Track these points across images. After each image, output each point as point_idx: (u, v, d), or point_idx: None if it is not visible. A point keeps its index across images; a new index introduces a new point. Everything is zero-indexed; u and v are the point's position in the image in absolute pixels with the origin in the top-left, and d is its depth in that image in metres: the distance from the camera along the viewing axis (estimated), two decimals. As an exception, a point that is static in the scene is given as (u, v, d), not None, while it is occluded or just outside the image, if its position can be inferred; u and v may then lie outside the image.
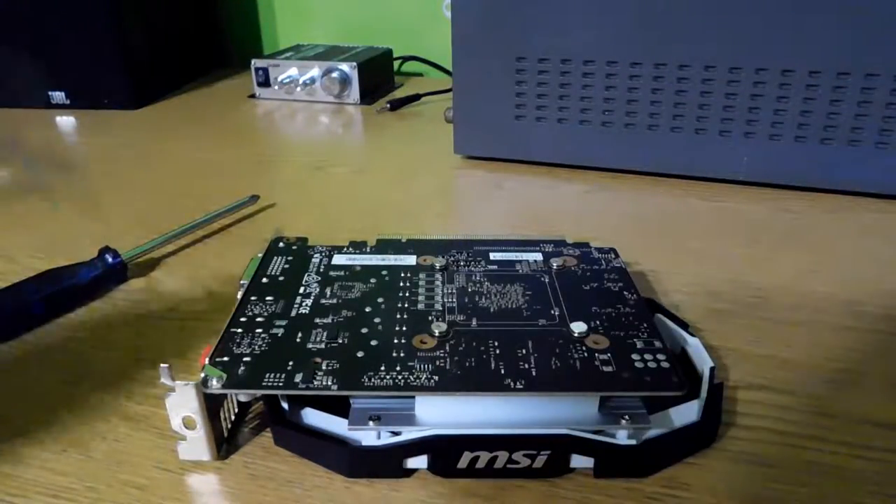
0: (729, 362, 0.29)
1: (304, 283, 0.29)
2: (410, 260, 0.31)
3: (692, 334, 0.28)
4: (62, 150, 0.59)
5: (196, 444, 0.23)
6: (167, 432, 0.25)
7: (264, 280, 0.29)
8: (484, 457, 0.22)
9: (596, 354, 0.24)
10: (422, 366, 0.23)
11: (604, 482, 0.23)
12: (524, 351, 0.24)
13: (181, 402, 0.23)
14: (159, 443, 0.25)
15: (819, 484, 0.23)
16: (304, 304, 0.28)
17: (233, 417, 0.25)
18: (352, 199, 0.47)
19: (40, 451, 0.25)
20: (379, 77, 0.77)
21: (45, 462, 0.24)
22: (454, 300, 0.28)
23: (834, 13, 0.41)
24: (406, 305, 0.27)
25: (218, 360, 0.24)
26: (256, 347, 0.25)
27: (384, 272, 0.30)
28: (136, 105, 0.71)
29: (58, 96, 0.70)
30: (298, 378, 0.23)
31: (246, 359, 0.24)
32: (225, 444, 0.25)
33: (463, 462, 0.22)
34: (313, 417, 0.24)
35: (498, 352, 0.24)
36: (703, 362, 0.26)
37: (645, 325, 0.26)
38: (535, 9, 0.47)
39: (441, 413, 0.23)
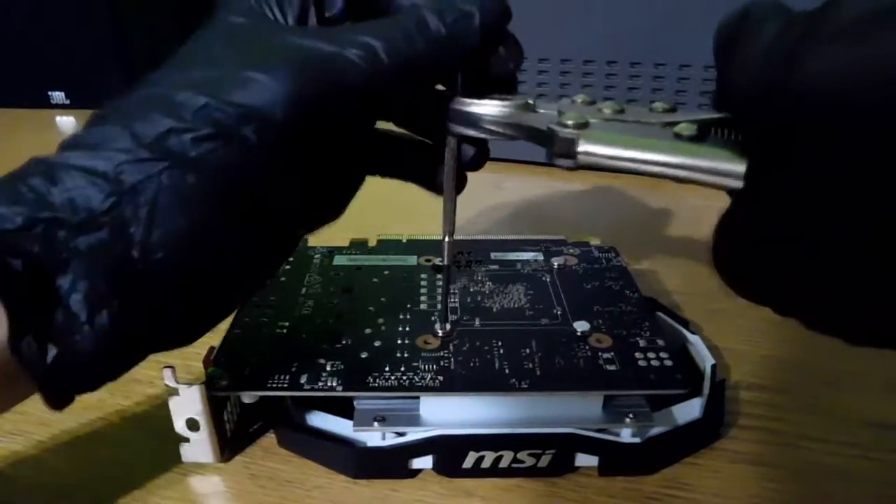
0: (728, 362, 0.29)
1: (305, 283, 0.29)
2: (412, 260, 0.31)
3: (693, 332, 0.28)
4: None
5: (200, 446, 0.23)
6: (167, 433, 0.25)
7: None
8: (489, 456, 0.22)
9: (599, 353, 0.24)
10: (426, 366, 0.23)
11: (603, 483, 0.23)
12: (528, 350, 0.24)
13: (185, 404, 0.23)
14: (159, 443, 0.25)
15: (819, 484, 0.23)
16: (306, 304, 0.28)
17: (235, 418, 0.25)
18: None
19: (40, 452, 0.25)
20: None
21: (44, 463, 0.24)
22: (457, 300, 0.28)
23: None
24: (408, 306, 0.27)
25: (222, 361, 0.24)
26: (260, 348, 0.25)
27: (386, 272, 0.30)
28: (136, 105, 0.71)
29: (58, 96, 0.70)
30: (303, 379, 0.23)
31: (251, 360, 0.24)
32: (228, 445, 0.25)
33: (468, 462, 0.23)
34: (317, 418, 0.24)
35: (502, 351, 0.24)
36: (705, 360, 0.26)
37: (647, 323, 0.26)
38: (534, 9, 0.47)
39: (446, 413, 0.23)
